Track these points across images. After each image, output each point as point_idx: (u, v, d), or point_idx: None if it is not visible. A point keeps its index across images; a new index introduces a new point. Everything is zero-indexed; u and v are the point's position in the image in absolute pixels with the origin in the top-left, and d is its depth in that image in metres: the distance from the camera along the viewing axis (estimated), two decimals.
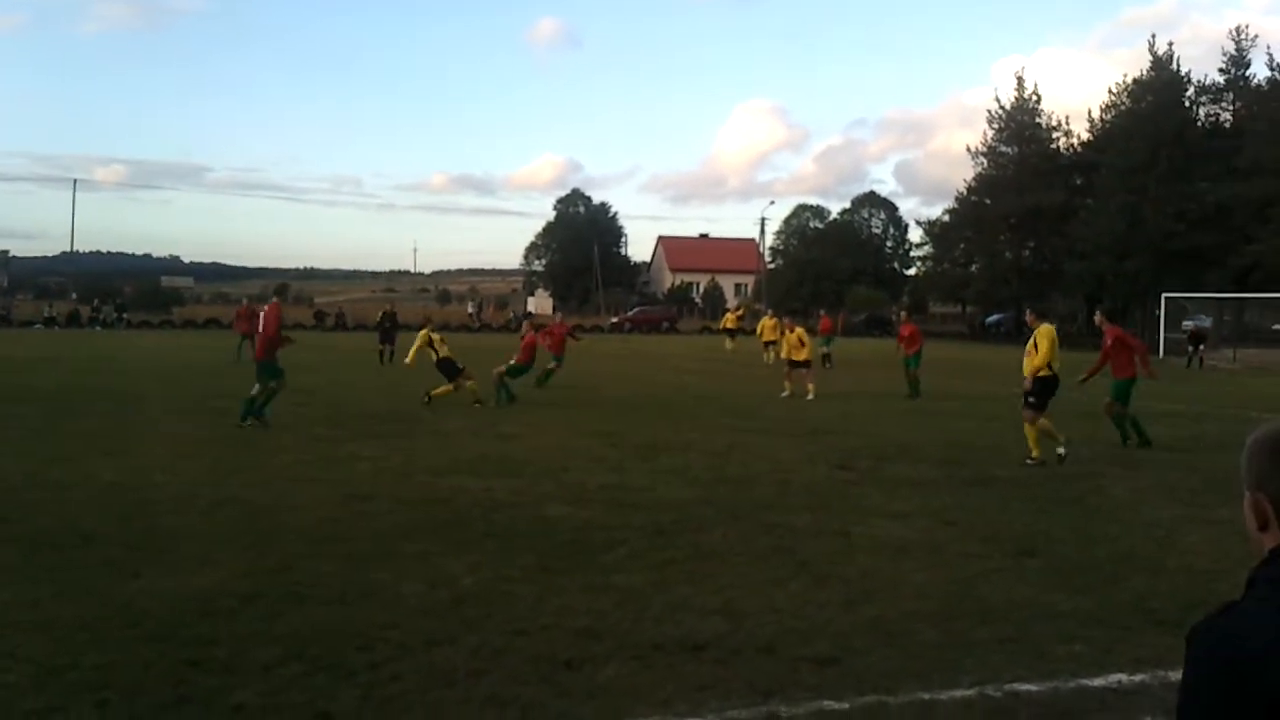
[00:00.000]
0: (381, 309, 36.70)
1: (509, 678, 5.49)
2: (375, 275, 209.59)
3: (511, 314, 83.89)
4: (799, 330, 23.87)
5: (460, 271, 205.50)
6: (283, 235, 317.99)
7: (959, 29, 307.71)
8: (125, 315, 64.36)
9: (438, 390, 19.72)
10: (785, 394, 22.40)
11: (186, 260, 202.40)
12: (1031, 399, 13.57)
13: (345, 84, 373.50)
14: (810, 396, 21.85)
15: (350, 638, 6.07)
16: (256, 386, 16.46)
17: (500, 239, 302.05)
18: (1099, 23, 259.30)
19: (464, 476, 11.80)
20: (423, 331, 20.80)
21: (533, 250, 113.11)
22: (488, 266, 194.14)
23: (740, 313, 51.05)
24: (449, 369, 20.19)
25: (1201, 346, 40.84)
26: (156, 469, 12.01)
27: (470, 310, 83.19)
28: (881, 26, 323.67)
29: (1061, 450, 13.43)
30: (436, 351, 20.24)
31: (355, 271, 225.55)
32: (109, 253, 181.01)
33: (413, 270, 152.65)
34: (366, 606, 6.73)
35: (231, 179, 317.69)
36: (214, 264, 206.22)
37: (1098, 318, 16.43)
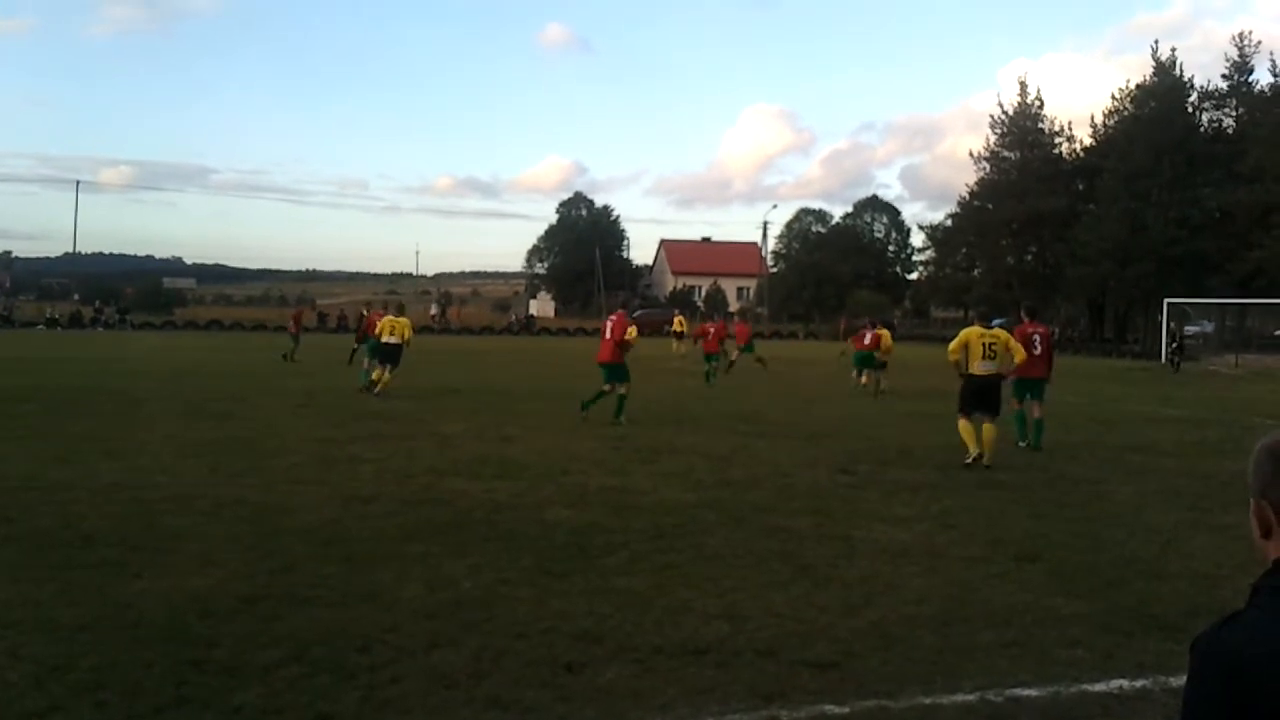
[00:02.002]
0: (359, 311, 37.48)
1: (509, 680, 5.48)
2: (377, 278, 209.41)
3: (514, 316, 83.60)
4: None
5: (463, 274, 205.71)
6: (286, 237, 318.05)
7: (969, 33, 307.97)
8: (128, 317, 64.41)
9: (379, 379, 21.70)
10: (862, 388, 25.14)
11: (189, 261, 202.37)
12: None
13: (353, 86, 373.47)
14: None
15: (351, 639, 6.07)
16: (622, 386, 17.83)
17: (504, 242, 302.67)
18: (1109, 27, 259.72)
19: (465, 479, 11.80)
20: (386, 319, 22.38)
21: (535, 253, 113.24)
22: (490, 269, 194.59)
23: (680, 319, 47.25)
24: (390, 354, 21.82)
25: (1174, 344, 40.98)
26: (158, 470, 12.01)
27: (433, 311, 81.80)
28: (891, 30, 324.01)
29: (968, 459, 13.41)
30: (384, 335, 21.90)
31: (358, 274, 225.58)
32: (112, 254, 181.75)
33: (415, 273, 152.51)
34: (367, 608, 6.72)
35: (236, 181, 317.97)
36: (216, 265, 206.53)
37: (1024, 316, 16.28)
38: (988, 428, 13.52)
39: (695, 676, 5.59)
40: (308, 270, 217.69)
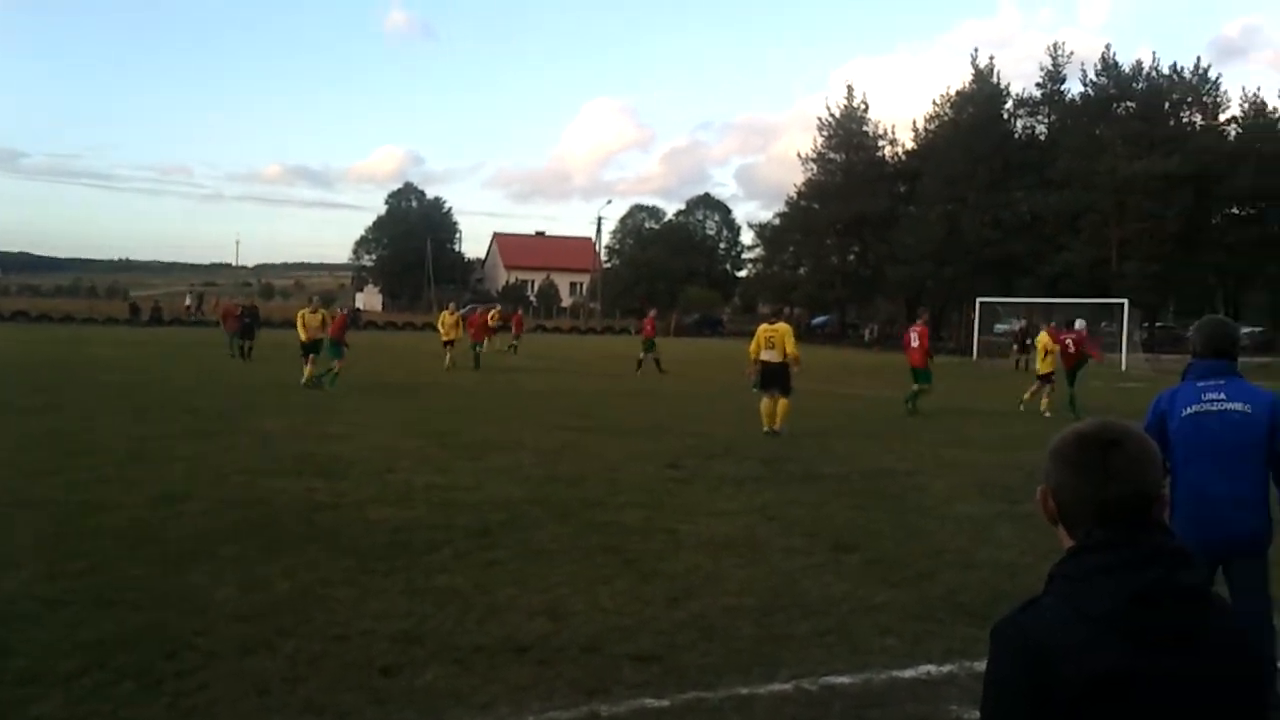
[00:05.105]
0: (241, 304, 36.69)
1: (325, 685, 5.34)
2: (195, 268, 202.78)
3: (340, 310, 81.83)
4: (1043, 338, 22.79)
5: (286, 265, 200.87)
6: (100, 225, 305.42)
7: (807, 37, 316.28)
8: None
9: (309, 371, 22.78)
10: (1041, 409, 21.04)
11: None
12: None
13: (180, 67, 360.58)
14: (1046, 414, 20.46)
15: (159, 645, 5.83)
16: (925, 385, 20.57)
17: (333, 233, 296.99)
18: (939, 35, 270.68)
19: (283, 477, 11.46)
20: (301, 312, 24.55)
21: (363, 245, 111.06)
22: (315, 260, 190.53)
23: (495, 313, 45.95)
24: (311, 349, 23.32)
25: (1029, 343, 41.89)
26: None
27: (188, 303, 79.90)
28: (733, 31, 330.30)
29: (765, 429, 16.16)
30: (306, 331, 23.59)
31: (174, 264, 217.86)
32: None
33: (234, 263, 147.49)
34: (177, 612, 6.46)
35: (48, 165, 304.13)
36: (22, 254, 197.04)
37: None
38: (782, 403, 16.24)
39: (517, 674, 5.55)
40: (121, 260, 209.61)
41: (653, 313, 34.89)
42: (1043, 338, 22.45)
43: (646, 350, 31.03)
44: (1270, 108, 63.26)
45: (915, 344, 20.80)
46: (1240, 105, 63.46)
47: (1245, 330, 52.71)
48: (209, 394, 20.65)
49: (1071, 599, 1.73)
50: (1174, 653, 1.69)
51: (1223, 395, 4.99)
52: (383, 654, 5.79)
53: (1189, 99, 61.41)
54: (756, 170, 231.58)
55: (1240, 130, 62.53)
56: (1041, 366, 21.83)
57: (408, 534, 8.81)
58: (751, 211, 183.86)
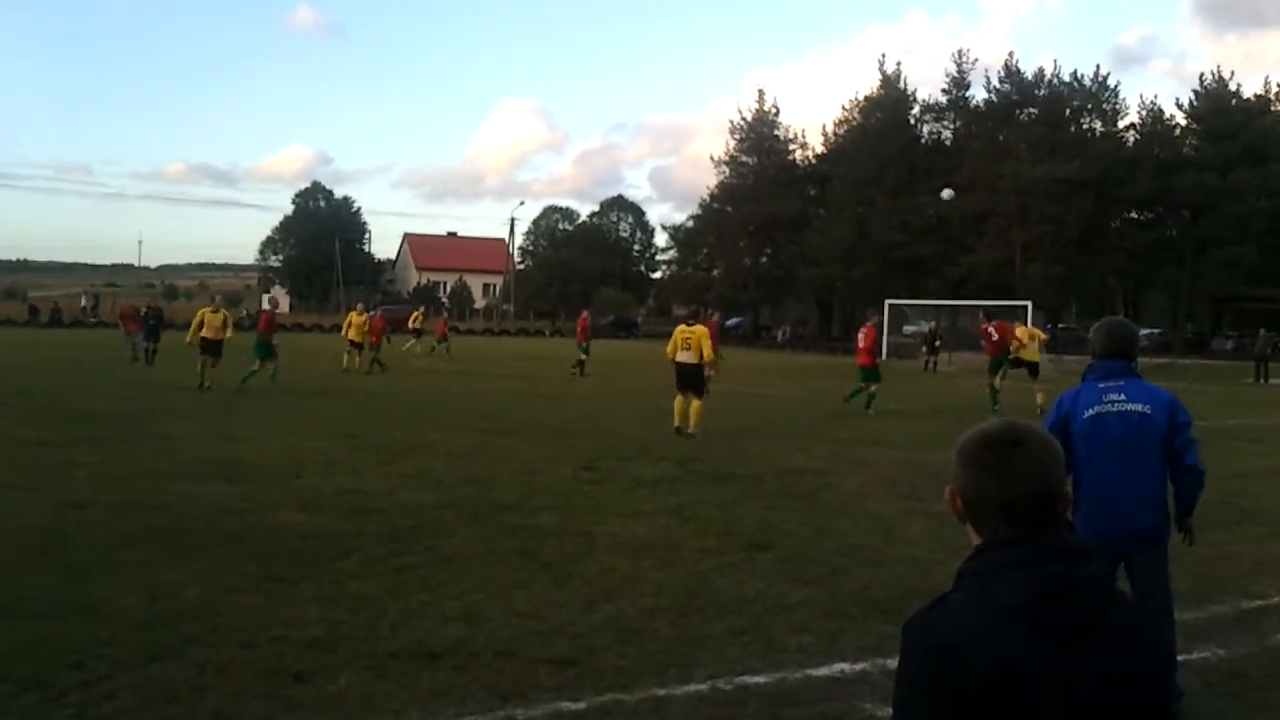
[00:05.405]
0: (145, 305, 35.38)
1: (235, 693, 5.24)
2: (96, 269, 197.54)
3: (245, 311, 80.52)
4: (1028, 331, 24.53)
5: (190, 266, 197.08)
6: None
7: (720, 40, 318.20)
8: None
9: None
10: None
11: None
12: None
13: (79, 61, 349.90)
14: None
15: (63, 655, 5.66)
16: (874, 385, 20.70)
17: (238, 233, 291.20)
18: (850, 39, 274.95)
19: (188, 482, 11.20)
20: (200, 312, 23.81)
21: (269, 245, 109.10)
22: (220, 261, 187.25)
23: (417, 315, 44.41)
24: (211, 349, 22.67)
25: (938, 344, 42.85)
26: None
27: (84, 304, 79.13)
28: (646, 33, 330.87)
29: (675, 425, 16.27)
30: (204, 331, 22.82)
31: (74, 264, 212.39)
32: None
33: (137, 264, 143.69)
34: (81, 621, 6.28)
35: None
36: None
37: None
38: (695, 404, 16.17)
39: (430, 680, 5.49)
40: (19, 260, 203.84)
41: (584, 314, 34.39)
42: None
43: (585, 353, 31.00)
44: (1167, 115, 65.43)
45: (861, 344, 21.22)
46: (1138, 112, 65.58)
47: (1144, 332, 54.28)
48: (110, 397, 20.14)
49: (979, 596, 1.76)
50: (1077, 645, 1.73)
51: (1123, 396, 5.13)
52: (294, 661, 5.69)
53: (1089, 106, 63.18)
54: (670, 172, 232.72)
55: (1138, 136, 64.54)
56: (1025, 355, 23.09)
57: (318, 539, 8.67)
58: (665, 213, 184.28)
